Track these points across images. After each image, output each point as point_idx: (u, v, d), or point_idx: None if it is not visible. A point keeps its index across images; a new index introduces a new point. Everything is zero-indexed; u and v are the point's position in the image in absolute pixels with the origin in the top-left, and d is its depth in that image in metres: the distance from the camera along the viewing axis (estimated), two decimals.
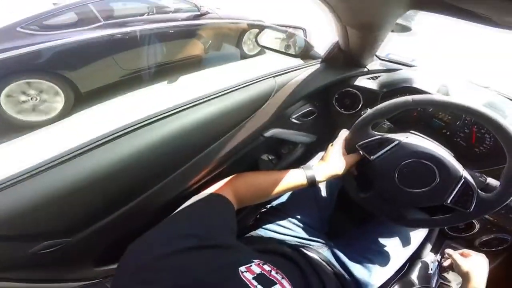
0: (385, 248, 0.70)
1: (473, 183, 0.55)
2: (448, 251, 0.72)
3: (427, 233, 0.80)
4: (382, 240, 0.72)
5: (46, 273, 0.55)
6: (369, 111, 0.61)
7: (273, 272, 0.40)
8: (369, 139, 0.61)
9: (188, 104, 0.61)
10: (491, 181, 0.60)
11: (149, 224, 0.50)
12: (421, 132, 0.67)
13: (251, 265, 0.38)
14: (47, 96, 2.35)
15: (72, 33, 2.39)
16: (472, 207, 0.55)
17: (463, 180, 0.55)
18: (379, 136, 0.61)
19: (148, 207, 0.63)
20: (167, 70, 3.15)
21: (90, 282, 0.62)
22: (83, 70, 2.50)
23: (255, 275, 0.36)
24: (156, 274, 0.32)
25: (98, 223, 0.56)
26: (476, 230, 0.86)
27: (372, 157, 0.60)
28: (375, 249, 0.70)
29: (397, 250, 0.72)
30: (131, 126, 0.56)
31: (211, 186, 0.56)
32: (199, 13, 3.19)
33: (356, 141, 0.62)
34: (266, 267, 0.40)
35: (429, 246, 0.90)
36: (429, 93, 0.70)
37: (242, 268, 0.36)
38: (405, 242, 0.74)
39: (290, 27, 0.96)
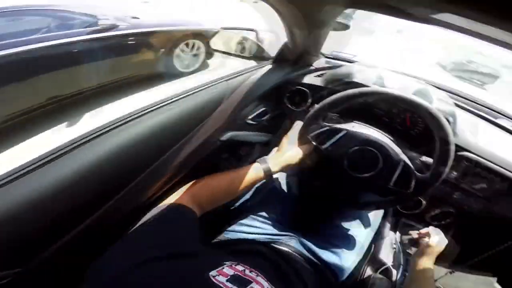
0: (349, 232, 0.74)
1: (411, 165, 0.61)
2: (415, 232, 0.77)
3: (383, 213, 0.85)
4: (344, 225, 0.75)
5: None
6: (320, 103, 0.64)
7: (247, 271, 0.39)
8: (320, 130, 0.65)
9: (135, 114, 0.58)
10: (426, 159, 0.67)
11: (109, 240, 0.46)
12: (364, 121, 0.72)
13: (223, 268, 0.37)
14: None
15: None
16: (412, 187, 0.60)
17: (402, 162, 0.61)
18: (329, 127, 0.65)
19: (106, 222, 0.59)
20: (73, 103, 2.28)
21: None
22: None
23: (229, 277, 0.35)
24: None
25: (54, 246, 0.50)
26: (423, 206, 0.91)
27: (323, 146, 0.64)
28: (340, 234, 0.74)
29: (360, 232, 0.76)
30: (75, 142, 0.51)
31: (169, 197, 0.54)
32: (97, 27, 2.36)
33: (308, 132, 0.65)
34: (239, 267, 0.39)
35: (387, 225, 0.96)
36: (367, 86, 0.75)
37: (213, 273, 0.35)
38: (366, 223, 0.78)
39: (241, 29, 0.97)
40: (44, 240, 0.49)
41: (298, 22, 0.61)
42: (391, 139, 0.67)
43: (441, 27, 0.44)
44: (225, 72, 0.77)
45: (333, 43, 1.02)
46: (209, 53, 3.31)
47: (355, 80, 0.80)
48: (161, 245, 0.38)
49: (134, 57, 2.73)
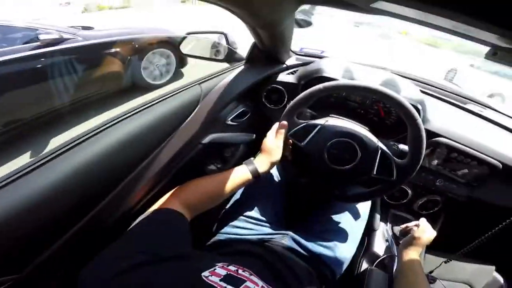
0: (340, 225, 0.74)
1: (389, 152, 0.63)
2: (405, 225, 0.78)
3: (371, 205, 0.86)
4: (335, 218, 0.76)
5: None
6: (292, 102, 0.66)
7: (240, 271, 0.39)
8: (296, 128, 0.66)
9: (109, 122, 0.56)
10: (403, 147, 0.70)
11: (99, 247, 0.45)
12: (340, 114, 0.74)
13: (215, 269, 0.37)
14: None
15: None
16: (395, 174, 0.61)
17: (380, 150, 0.61)
18: (304, 124, 0.66)
19: (94, 229, 0.57)
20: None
21: None
22: None
23: (222, 277, 0.36)
24: None
25: (46, 252, 0.48)
26: (410, 196, 0.94)
27: (302, 143, 0.64)
28: (331, 228, 0.74)
29: (351, 225, 0.76)
30: (50, 154, 0.49)
31: (157, 202, 0.54)
32: (37, 42, 2.08)
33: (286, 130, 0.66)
34: (232, 268, 0.39)
35: (378, 217, 0.97)
36: (337, 80, 0.77)
37: (206, 273, 0.35)
38: (356, 216, 0.78)
39: (209, 33, 0.97)
40: (37, 246, 0.48)
41: (256, 22, 0.61)
42: (366, 129, 0.68)
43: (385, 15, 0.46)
44: (197, 76, 0.77)
45: (299, 39, 1.06)
46: (182, 61, 3.10)
47: (325, 74, 0.82)
48: (153, 249, 0.38)
49: (93, 73, 2.40)
